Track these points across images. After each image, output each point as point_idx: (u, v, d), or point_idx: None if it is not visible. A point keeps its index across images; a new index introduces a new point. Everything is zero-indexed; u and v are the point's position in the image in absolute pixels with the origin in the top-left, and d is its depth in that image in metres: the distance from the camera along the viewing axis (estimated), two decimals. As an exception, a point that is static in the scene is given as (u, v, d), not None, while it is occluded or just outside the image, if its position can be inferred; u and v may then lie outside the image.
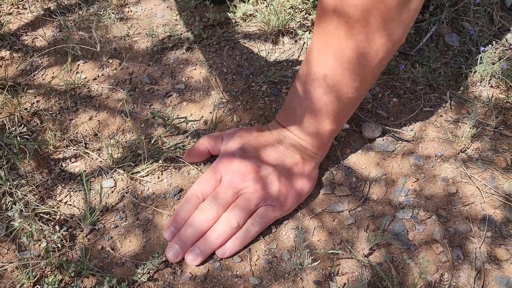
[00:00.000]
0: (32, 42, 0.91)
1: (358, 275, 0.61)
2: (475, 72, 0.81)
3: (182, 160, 0.72)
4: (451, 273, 0.61)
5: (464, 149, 0.73)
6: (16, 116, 0.77)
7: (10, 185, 0.65)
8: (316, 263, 0.61)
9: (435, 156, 0.73)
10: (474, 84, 0.82)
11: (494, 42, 0.85)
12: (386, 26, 0.54)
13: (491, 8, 0.91)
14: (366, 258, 0.62)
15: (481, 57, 0.82)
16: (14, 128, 0.73)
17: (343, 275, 0.61)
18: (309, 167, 0.67)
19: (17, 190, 0.65)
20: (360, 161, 0.73)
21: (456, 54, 0.86)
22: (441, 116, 0.78)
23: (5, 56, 0.88)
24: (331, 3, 0.54)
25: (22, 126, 0.75)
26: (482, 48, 0.84)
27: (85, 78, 0.85)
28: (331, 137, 0.66)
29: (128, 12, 0.98)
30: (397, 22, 0.54)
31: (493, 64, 0.81)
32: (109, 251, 0.63)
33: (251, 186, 0.64)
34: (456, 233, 0.65)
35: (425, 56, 0.84)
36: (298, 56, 0.88)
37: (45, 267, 0.60)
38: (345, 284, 0.60)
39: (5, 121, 0.75)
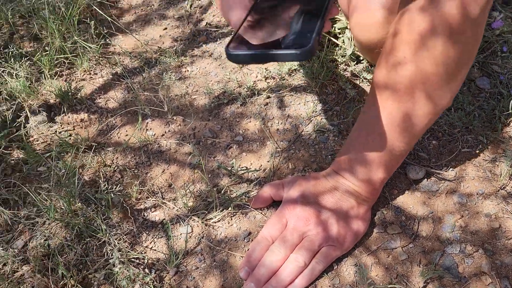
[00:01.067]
0: (105, 104, 1.04)
1: (415, 306, 0.68)
2: (508, 114, 0.89)
3: (248, 206, 0.81)
4: (501, 302, 0.68)
5: (503, 186, 0.80)
6: (101, 173, 0.88)
7: (108, 235, 0.76)
8: None
9: (477, 194, 0.80)
10: (508, 125, 0.89)
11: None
12: (431, 97, 0.64)
13: (517, 52, 0.99)
14: (421, 290, 0.70)
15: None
16: (102, 184, 0.84)
17: (401, 306, 0.69)
18: (363, 210, 0.75)
19: (113, 239, 0.76)
20: (407, 200, 0.81)
21: (488, 97, 0.94)
22: (479, 156, 0.86)
23: (84, 118, 1.01)
24: (381, 79, 0.65)
25: (107, 181, 0.86)
26: (512, 91, 0.91)
27: (154, 134, 0.96)
28: (382, 183, 0.75)
29: (185, 72, 1.10)
30: (442, 93, 0.64)
31: (524, 105, 0.89)
32: (193, 290, 0.72)
33: (314, 229, 0.72)
34: (502, 265, 0.72)
35: (459, 100, 0.92)
36: (341, 106, 0.98)
37: (141, 306, 0.69)
38: (404, 314, 0.67)
39: (91, 178, 0.87)
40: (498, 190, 0.80)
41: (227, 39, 1.19)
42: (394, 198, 0.82)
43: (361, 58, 1.04)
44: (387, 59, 0.66)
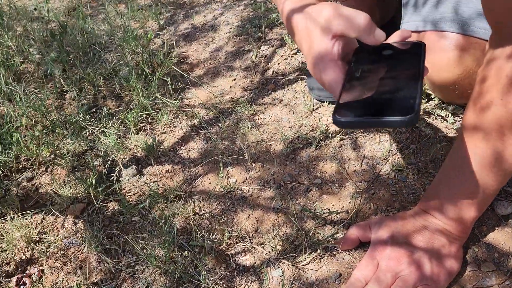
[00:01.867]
0: (187, 154, 1.11)
1: None
2: None
3: (336, 248, 0.83)
4: None
5: None
6: (190, 220, 0.94)
7: (206, 280, 0.80)
8: None
9: None
10: None
11: None
12: None
13: None
14: (527, 330, 0.68)
15: None
16: (194, 231, 0.89)
17: None
18: (455, 248, 0.75)
19: (212, 284, 0.79)
20: (498, 237, 0.80)
21: None
22: None
23: (169, 169, 1.08)
24: (470, 122, 0.68)
25: (197, 228, 0.91)
26: None
27: (236, 181, 1.01)
28: (473, 221, 0.75)
29: (258, 119, 1.16)
30: None
31: None
32: (291, 333, 0.74)
33: (407, 269, 0.73)
34: None
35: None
36: (417, 144, 0.99)
37: None
38: None
39: (182, 225, 0.92)
40: None
41: (306, 91, 1.24)
42: (484, 235, 0.81)
43: (432, 95, 1.06)
44: (475, 103, 0.68)
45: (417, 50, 0.57)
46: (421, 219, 0.77)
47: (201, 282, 0.80)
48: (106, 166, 1.07)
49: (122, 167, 1.05)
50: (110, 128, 1.14)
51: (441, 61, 0.89)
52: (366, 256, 0.78)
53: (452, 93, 0.92)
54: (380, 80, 0.54)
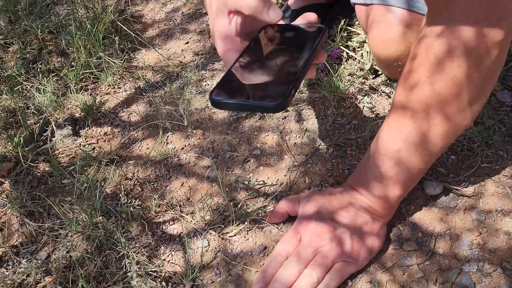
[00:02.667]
0: (128, 117, 1.07)
1: (430, 325, 0.68)
2: (529, 128, 0.87)
3: (264, 221, 0.82)
4: (519, 323, 0.67)
5: (523, 203, 0.79)
6: (121, 186, 0.91)
7: (127, 248, 0.78)
8: None
9: (496, 211, 0.79)
10: (529, 140, 0.88)
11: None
12: (449, 117, 0.64)
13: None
14: (437, 309, 0.69)
15: (534, 113, 0.88)
16: (122, 197, 0.87)
17: (416, 325, 0.68)
18: (378, 226, 0.75)
19: (132, 253, 0.78)
20: (424, 217, 0.81)
21: (509, 110, 0.93)
22: (499, 171, 0.85)
23: (107, 131, 1.04)
24: (399, 100, 0.67)
25: (127, 194, 0.89)
26: (534, 104, 0.90)
27: (174, 148, 0.99)
28: (398, 200, 0.75)
29: (205, 86, 1.13)
30: (461, 113, 0.64)
31: (547, 119, 0.87)
32: (208, 304, 0.74)
33: (328, 245, 0.73)
34: (521, 285, 0.70)
35: (480, 115, 0.91)
36: (359, 120, 0.98)
37: (158, 319, 0.71)
38: (419, 334, 0.67)
39: (113, 190, 0.90)
40: (519, 207, 0.79)
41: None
42: (411, 214, 0.81)
43: (380, 72, 1.04)
44: (405, 81, 0.67)
45: (316, 34, 0.54)
46: (348, 195, 0.76)
47: (121, 249, 0.78)
48: (38, 124, 1.02)
49: (55, 127, 1.01)
50: (46, 84, 1.09)
51: (386, 35, 0.86)
52: (290, 230, 0.77)
53: (396, 70, 0.91)
54: (267, 62, 0.52)
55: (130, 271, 0.72)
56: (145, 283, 0.72)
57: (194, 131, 1.01)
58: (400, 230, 0.80)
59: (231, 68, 0.51)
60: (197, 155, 0.96)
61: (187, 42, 1.29)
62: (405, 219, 0.81)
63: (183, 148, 0.99)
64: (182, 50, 1.26)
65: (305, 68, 0.49)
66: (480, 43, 0.60)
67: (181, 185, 0.91)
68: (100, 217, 0.83)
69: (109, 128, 1.04)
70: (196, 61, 1.20)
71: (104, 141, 1.02)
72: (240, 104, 0.47)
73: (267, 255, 0.79)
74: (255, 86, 0.49)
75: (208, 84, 1.13)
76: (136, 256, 0.77)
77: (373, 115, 0.98)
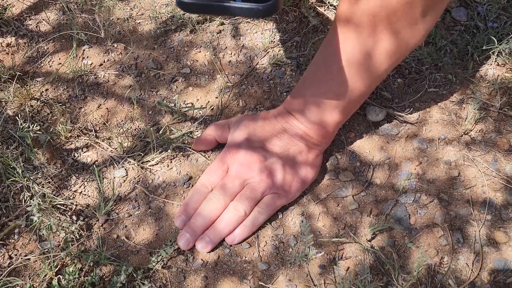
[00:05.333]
0: (36, 26, 0.91)
1: (361, 259, 0.64)
2: (482, 50, 0.81)
3: (190, 148, 0.74)
4: (451, 256, 0.64)
5: (467, 131, 0.74)
6: (26, 107, 0.78)
7: (27, 179, 0.68)
8: (320, 254, 0.64)
9: (439, 139, 0.74)
10: (480, 63, 0.81)
11: (503, 17, 0.83)
12: (397, 34, 0.55)
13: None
14: (369, 242, 0.65)
15: (488, 33, 0.81)
16: (24, 120, 0.75)
17: (346, 259, 0.64)
18: (313, 155, 0.69)
19: (34, 184, 0.68)
20: (364, 145, 0.75)
21: (463, 30, 0.85)
22: (446, 97, 0.79)
23: (11, 42, 0.88)
24: (343, 12, 0.56)
25: (33, 117, 0.77)
26: (490, 24, 0.82)
27: (91, 64, 0.86)
28: (337, 127, 0.67)
29: (130, -9, 0.97)
30: (411, 30, 0.55)
31: (501, 41, 0.80)
32: (124, 240, 0.66)
33: (257, 176, 0.66)
34: (456, 216, 0.67)
35: (431, 33, 0.83)
36: (302, 36, 0.88)
37: (65, 257, 0.64)
38: (348, 268, 0.63)
39: (16, 112, 0.77)
40: (462, 135, 0.74)
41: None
42: (350, 142, 0.75)
43: (327, -19, 0.92)
44: None
45: None
46: (282, 120, 0.68)
47: (20, 180, 0.68)
48: None
49: None
50: None
51: None
52: (217, 159, 0.69)
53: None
54: None
55: (30, 205, 0.63)
56: (48, 218, 0.64)
57: (115, 45, 0.88)
58: (338, 159, 0.74)
59: None
60: (117, 72, 0.84)
61: None
62: (344, 147, 0.75)
63: (101, 64, 0.86)
64: None
65: None
66: None
67: (98, 107, 0.80)
68: (1, 144, 0.71)
69: (13, 38, 0.89)
70: (120, -38, 1.02)
71: (7, 53, 0.87)
72: (219, 6, 0.39)
73: (193, 186, 0.71)
74: None
75: (133, -10, 0.97)
76: (40, 188, 0.68)
77: (318, 31, 0.88)
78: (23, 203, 0.68)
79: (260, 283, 0.62)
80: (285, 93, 0.81)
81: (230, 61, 0.86)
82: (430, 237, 0.66)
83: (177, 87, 0.83)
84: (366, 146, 0.74)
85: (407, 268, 0.63)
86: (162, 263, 0.64)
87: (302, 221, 0.67)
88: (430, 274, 0.62)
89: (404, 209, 0.68)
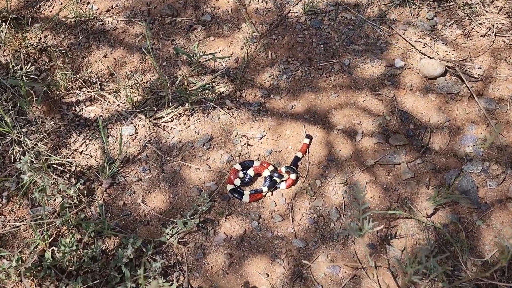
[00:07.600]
0: (36, -32, 0.80)
1: (419, 238, 0.52)
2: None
3: (211, 103, 0.62)
4: (530, 237, 0.52)
5: (544, 90, 0.62)
6: (21, 54, 0.67)
7: (18, 132, 0.57)
8: (379, 228, 0.52)
9: (510, 99, 0.62)
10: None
11: None
12: None
13: None
14: (428, 219, 0.54)
15: None
16: (19, 67, 0.64)
17: (401, 237, 0.53)
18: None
19: (27, 138, 0.57)
20: (418, 104, 0.63)
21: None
22: (516, 51, 0.66)
23: (6, -16, 0.77)
24: None
25: (29, 64, 0.66)
26: None
27: (97, 9, 0.74)
28: None
29: None
30: None
31: None
32: (131, 208, 0.55)
33: None
34: (535, 190, 0.55)
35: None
36: (343, -19, 0.75)
37: (62, 226, 0.53)
38: (404, 248, 0.52)
39: (8, 59, 0.66)
40: (538, 95, 0.62)
41: None
42: (400, 100, 0.63)
43: None
44: None
45: None
46: None
47: (9, 133, 0.57)
48: None
49: None
50: None
51: None
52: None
53: None
54: None
55: (19, 162, 0.52)
56: (41, 178, 0.53)
57: (125, -11, 0.76)
58: (387, 120, 0.62)
59: None
60: (127, 19, 0.73)
61: None
62: (393, 106, 0.63)
63: (109, 10, 0.74)
64: None
65: None
66: None
67: (104, 56, 0.69)
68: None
69: (10, -20, 0.77)
70: None
71: (2, -4, 0.75)
72: None
73: (213, 147, 0.60)
74: None
75: None
76: (34, 144, 0.57)
77: (361, -24, 0.76)
78: (13, 161, 0.57)
79: (303, 261, 0.51)
80: (322, 46, 0.69)
81: (257, 8, 0.74)
82: (504, 213, 0.54)
83: (195, 36, 0.71)
84: (421, 106, 0.62)
85: (476, 251, 0.51)
86: (178, 237, 0.53)
87: (345, 191, 0.55)
88: (507, 258, 0.50)
89: (471, 180, 0.56)
